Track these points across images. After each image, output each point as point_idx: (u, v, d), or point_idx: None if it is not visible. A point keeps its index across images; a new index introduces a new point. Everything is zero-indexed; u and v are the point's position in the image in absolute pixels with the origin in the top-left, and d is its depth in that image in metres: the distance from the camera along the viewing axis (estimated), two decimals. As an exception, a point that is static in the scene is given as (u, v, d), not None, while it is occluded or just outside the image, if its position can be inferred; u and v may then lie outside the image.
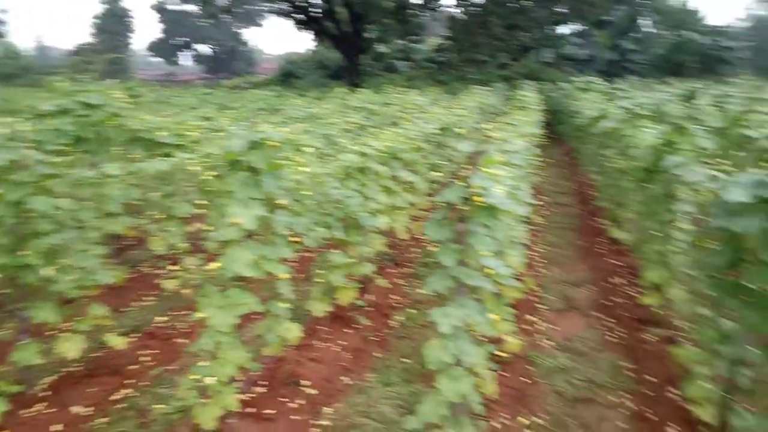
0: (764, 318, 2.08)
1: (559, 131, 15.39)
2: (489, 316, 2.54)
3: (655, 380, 3.36)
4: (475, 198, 2.50)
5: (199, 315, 2.70)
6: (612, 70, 31.42)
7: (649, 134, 4.78)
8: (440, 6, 32.08)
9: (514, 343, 3.57)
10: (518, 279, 4.53)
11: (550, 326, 4.25)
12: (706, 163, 3.56)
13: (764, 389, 2.23)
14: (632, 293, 4.70)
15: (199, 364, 2.73)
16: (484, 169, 2.67)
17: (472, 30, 28.58)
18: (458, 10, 30.55)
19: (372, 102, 11.74)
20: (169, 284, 4.58)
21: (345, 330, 4.10)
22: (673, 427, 2.88)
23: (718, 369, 2.55)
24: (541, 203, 8.30)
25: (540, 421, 3.03)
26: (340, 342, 3.92)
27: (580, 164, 10.78)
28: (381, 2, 26.83)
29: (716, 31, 33.75)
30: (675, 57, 32.42)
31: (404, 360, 3.68)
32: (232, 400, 2.76)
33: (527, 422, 3.01)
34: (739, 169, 3.01)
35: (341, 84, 23.45)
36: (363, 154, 4.64)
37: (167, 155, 5.14)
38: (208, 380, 2.65)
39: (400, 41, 33.69)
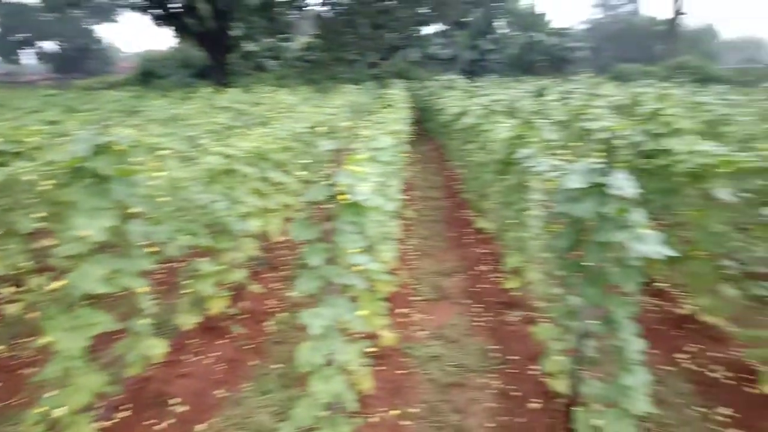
0: (599, 292, 2.31)
1: (427, 128, 16.00)
2: (361, 313, 2.56)
3: (518, 359, 3.60)
4: (341, 196, 2.50)
5: (44, 340, 2.43)
6: (473, 69, 33.35)
7: (503, 129, 5.11)
8: (307, 5, 31.93)
9: (389, 336, 3.64)
10: (392, 273, 4.64)
11: (424, 317, 4.39)
12: (552, 153, 3.87)
13: (607, 358, 2.47)
14: (497, 279, 5.00)
15: (47, 394, 2.46)
16: (349, 167, 2.68)
17: (339, 29, 28.84)
18: (325, 9, 30.62)
19: (240, 102, 11.38)
20: (12, 309, 4.08)
21: (218, 341, 3.92)
22: (534, 402, 3.10)
23: (569, 343, 2.78)
24: (413, 198, 8.58)
25: (416, 410, 3.11)
26: (212, 354, 3.74)
27: (448, 159, 11.29)
28: (245, -1, 26.11)
29: (560, 33, 37.11)
30: (527, 56, 35.14)
31: (281, 365, 3.60)
32: (88, 430, 2.52)
33: (402, 413, 3.08)
34: (579, 159, 3.32)
35: (208, 83, 22.45)
36: (229, 156, 4.47)
37: (2, 165, 4.57)
38: (58, 411, 2.39)
39: (269, 39, 33.00)
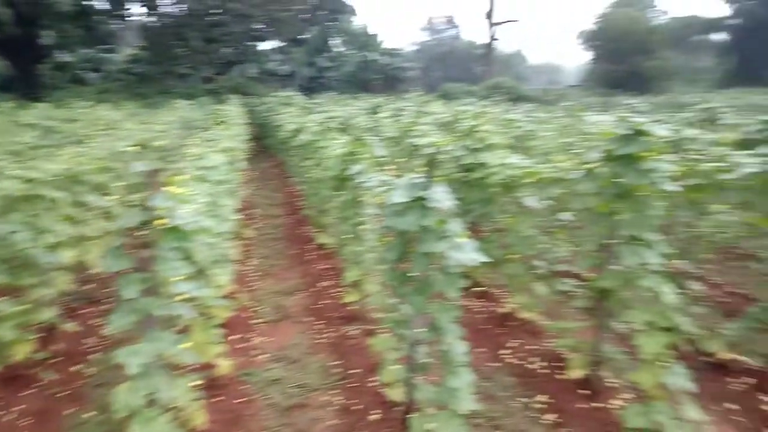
0: (425, 300, 2.42)
1: (267, 144, 15.77)
2: (187, 345, 2.39)
3: (359, 372, 3.65)
4: (159, 221, 2.32)
5: None
6: (312, 86, 33.70)
7: (337, 145, 5.19)
8: (131, 14, 29.79)
9: (225, 365, 3.47)
10: (229, 297, 4.45)
11: (265, 339, 4.26)
12: (382, 169, 4.01)
13: (436, 363, 2.59)
14: (338, 294, 5.04)
15: None
16: (168, 189, 2.50)
17: (168, 41, 27.30)
18: (152, 20, 28.81)
19: (51, 118, 10.20)
20: None
21: (23, 391, 3.41)
22: (374, 413, 3.15)
23: (403, 351, 2.88)
24: (252, 216, 8.36)
25: (256, 439, 2.99)
26: (16, 407, 3.24)
27: (288, 175, 11.21)
28: (54, 5, 23.49)
29: (392, 54, 39.07)
30: (363, 74, 36.43)
31: (100, 412, 3.23)
32: None
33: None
34: (406, 174, 3.48)
35: (12, 97, 19.77)
36: (31, 180, 3.96)
37: None
38: None
39: (87, 50, 30.09)
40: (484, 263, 2.37)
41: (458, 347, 2.42)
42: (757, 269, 4.08)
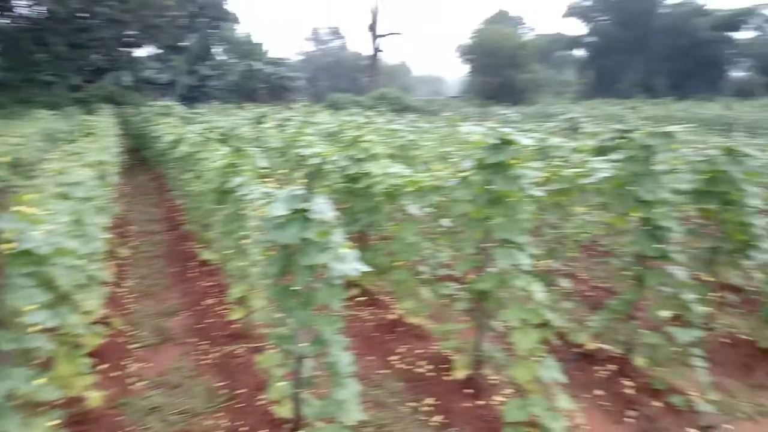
0: (309, 313, 2.39)
1: (144, 156, 14.86)
2: (46, 379, 2.17)
3: (246, 391, 3.52)
4: (5, 245, 2.09)
5: None
6: (193, 95, 32.38)
7: (218, 157, 5.01)
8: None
9: (96, 396, 3.19)
10: (100, 322, 4.11)
11: (143, 365, 3.99)
12: (264, 181, 3.92)
13: (323, 376, 2.56)
14: (223, 311, 4.84)
15: None
16: (17, 209, 2.26)
17: (26, 46, 24.86)
18: (6, 22, 26.14)
19: None
20: None
21: None
22: (262, 432, 3.06)
23: (289, 367, 2.82)
24: (128, 234, 7.82)
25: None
26: None
27: (168, 189, 10.63)
28: None
29: (278, 63, 38.63)
30: (248, 84, 35.65)
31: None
32: None
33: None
34: (289, 185, 3.43)
35: None
36: None
37: None
38: None
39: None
40: (371, 271, 2.39)
41: (344, 358, 2.41)
42: (615, 264, 4.49)
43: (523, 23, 56.71)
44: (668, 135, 3.24)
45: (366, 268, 2.35)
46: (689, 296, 3.34)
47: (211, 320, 4.77)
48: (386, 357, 4.06)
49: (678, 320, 3.48)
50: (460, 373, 3.56)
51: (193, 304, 5.21)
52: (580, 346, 4.01)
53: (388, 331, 4.46)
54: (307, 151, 5.86)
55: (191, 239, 7.19)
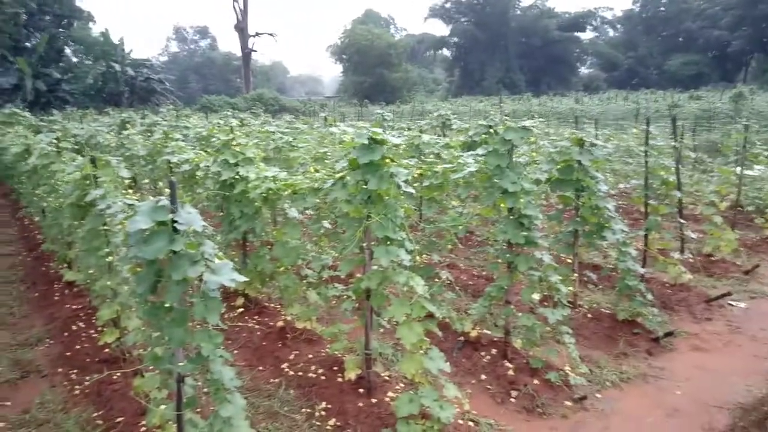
0: (184, 331, 2.26)
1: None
2: None
3: (124, 419, 3.26)
4: None
5: None
6: (45, 101, 29.40)
7: (74, 168, 4.58)
8: None
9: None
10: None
11: (1, 404, 3.56)
12: (126, 192, 3.65)
13: (207, 394, 2.44)
14: (94, 336, 4.45)
15: None
16: None
17: None
18: None
19: None
20: None
21: None
22: (144, 462, 2.85)
23: (170, 388, 2.64)
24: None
25: None
26: None
27: (21, 206, 9.58)
28: None
29: (141, 64, 36.20)
30: (108, 87, 33.06)
31: None
32: None
33: None
34: (156, 195, 3.21)
35: None
36: None
37: None
38: None
39: None
40: (255, 279, 2.30)
41: (226, 374, 2.31)
42: (490, 253, 4.75)
43: (394, 23, 58.31)
44: (526, 129, 3.47)
45: (243, 278, 2.27)
46: (555, 278, 3.62)
47: (81, 346, 4.37)
48: (277, 365, 3.97)
49: (548, 301, 3.77)
50: (352, 374, 3.57)
51: (59, 331, 4.75)
52: (464, 334, 4.19)
53: (277, 338, 4.36)
54: (176, 158, 5.55)
55: (52, 259, 6.54)
